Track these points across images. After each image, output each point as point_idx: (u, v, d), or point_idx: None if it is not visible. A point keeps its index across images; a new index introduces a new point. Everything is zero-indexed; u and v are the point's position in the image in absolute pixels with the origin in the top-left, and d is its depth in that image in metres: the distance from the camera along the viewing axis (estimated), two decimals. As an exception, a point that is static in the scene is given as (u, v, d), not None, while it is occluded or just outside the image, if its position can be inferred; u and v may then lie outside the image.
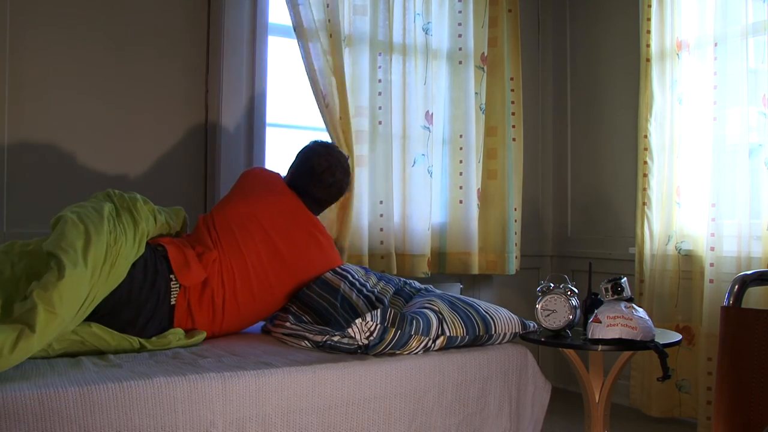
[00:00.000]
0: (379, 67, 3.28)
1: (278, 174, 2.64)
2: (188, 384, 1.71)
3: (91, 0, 2.86)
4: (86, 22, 2.85)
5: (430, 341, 2.13)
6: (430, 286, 2.58)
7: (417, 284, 2.58)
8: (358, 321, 2.03)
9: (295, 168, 2.66)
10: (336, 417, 1.92)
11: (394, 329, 2.04)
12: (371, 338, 2.02)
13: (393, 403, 2.02)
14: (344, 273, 2.51)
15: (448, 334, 2.17)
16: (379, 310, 2.06)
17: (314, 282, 2.48)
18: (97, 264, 1.93)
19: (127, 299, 2.08)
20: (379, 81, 3.28)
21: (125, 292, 2.07)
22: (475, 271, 3.51)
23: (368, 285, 2.48)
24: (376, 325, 2.02)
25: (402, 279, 2.61)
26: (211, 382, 1.74)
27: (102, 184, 2.85)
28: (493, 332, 2.27)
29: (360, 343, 2.04)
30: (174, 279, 2.19)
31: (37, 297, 1.74)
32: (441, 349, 2.18)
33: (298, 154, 2.69)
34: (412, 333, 2.08)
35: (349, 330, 2.04)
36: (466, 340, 2.22)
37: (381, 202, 3.26)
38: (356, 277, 2.50)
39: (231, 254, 2.32)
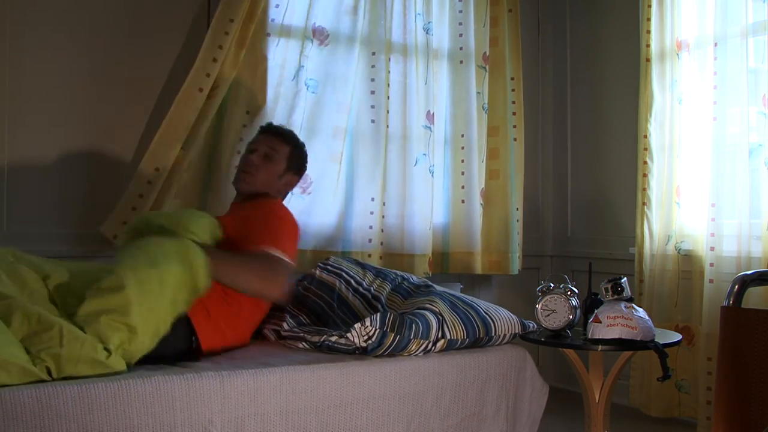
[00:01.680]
0: (374, 66, 3.28)
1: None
2: (186, 382, 1.71)
3: (91, 0, 2.86)
4: (86, 22, 2.84)
5: (430, 344, 2.13)
6: (430, 282, 2.57)
7: (415, 279, 2.57)
8: (357, 326, 2.03)
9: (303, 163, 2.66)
10: (335, 416, 1.92)
11: (393, 334, 2.04)
12: (370, 342, 2.02)
13: (392, 403, 2.02)
14: (338, 271, 2.50)
15: (448, 337, 2.16)
16: (378, 315, 2.06)
17: (310, 281, 2.48)
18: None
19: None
20: (373, 80, 3.28)
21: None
22: (479, 271, 3.51)
23: (364, 283, 2.47)
24: (375, 329, 2.02)
25: (400, 275, 2.59)
26: (210, 380, 1.74)
27: (102, 183, 2.86)
28: (493, 334, 2.27)
29: (358, 346, 2.04)
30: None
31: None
32: (441, 351, 2.18)
33: (303, 152, 2.66)
34: (411, 337, 2.07)
35: (348, 335, 2.04)
36: (466, 342, 2.22)
37: (384, 204, 3.27)
38: (351, 274, 2.49)
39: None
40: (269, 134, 2.60)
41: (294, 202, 2.97)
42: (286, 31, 3.10)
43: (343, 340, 2.09)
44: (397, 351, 2.07)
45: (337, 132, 3.19)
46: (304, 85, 3.12)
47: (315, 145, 3.07)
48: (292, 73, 3.09)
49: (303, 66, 3.11)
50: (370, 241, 3.23)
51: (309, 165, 2.74)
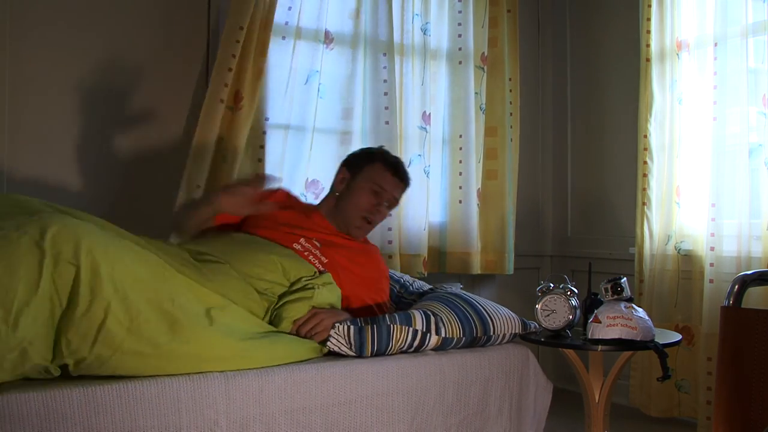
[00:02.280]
0: (384, 67, 3.28)
1: None
2: (192, 384, 1.71)
3: (90, 0, 2.86)
4: (86, 22, 2.84)
5: (419, 333, 2.12)
6: (435, 287, 2.58)
7: (417, 286, 2.58)
8: (332, 331, 2.04)
9: None
10: (339, 415, 1.93)
11: (369, 326, 2.05)
12: (353, 344, 2.03)
13: (395, 400, 2.03)
14: None
15: (443, 335, 2.16)
16: (348, 318, 2.09)
17: None
18: None
19: None
20: (384, 81, 3.29)
21: None
22: (476, 270, 3.52)
23: None
24: (348, 326, 2.04)
25: (403, 285, 2.61)
26: (215, 381, 1.75)
27: (102, 183, 2.86)
28: (491, 333, 2.26)
29: (349, 354, 2.05)
30: None
31: None
32: (436, 348, 2.18)
33: None
34: (389, 323, 2.08)
35: (329, 343, 2.04)
36: (462, 342, 2.20)
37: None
38: None
39: None
40: (404, 184, 2.54)
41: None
42: (298, 34, 3.11)
43: (326, 350, 2.10)
44: (385, 342, 2.06)
45: (348, 134, 3.22)
46: (316, 88, 3.14)
47: (327, 148, 3.13)
48: (305, 77, 3.12)
49: (314, 69, 3.13)
50: (390, 242, 3.25)
51: (321, 169, 2.95)
